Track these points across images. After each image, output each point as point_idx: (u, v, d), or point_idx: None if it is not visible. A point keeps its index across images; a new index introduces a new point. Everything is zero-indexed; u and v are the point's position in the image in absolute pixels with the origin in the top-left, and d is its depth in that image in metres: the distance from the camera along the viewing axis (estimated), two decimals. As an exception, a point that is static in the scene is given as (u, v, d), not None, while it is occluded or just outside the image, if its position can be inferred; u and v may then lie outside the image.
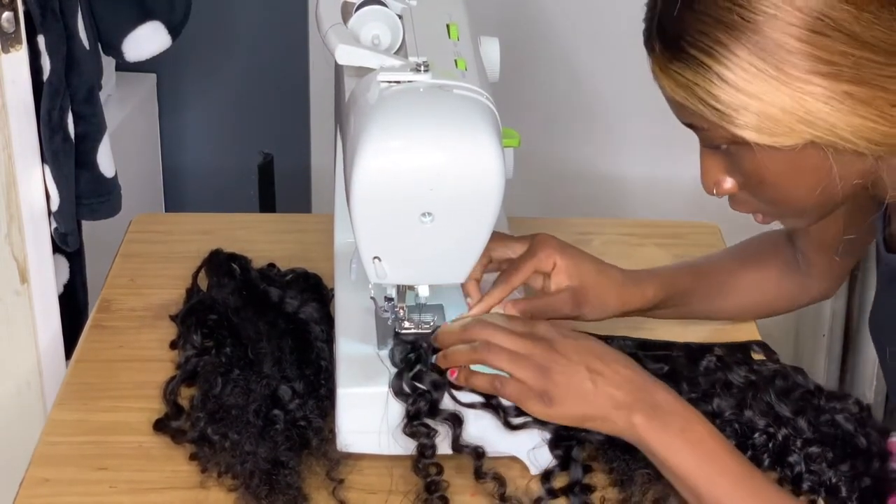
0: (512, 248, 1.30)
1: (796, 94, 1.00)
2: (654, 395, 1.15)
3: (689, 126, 1.09)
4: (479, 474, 1.21)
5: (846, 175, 1.05)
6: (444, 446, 1.22)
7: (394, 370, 1.23)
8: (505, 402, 1.20)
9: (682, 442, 1.12)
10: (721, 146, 1.08)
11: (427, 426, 1.21)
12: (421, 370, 1.22)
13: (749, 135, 1.03)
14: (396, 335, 1.26)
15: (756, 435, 1.23)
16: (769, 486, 1.12)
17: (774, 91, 1.01)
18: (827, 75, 1.00)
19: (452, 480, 1.22)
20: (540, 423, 1.20)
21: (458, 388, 1.21)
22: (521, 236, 1.31)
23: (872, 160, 1.04)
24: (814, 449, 1.22)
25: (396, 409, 1.22)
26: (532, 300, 1.28)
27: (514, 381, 1.16)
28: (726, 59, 1.01)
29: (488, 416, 1.21)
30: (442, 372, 1.21)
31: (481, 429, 1.22)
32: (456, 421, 1.21)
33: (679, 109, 1.08)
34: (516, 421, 1.20)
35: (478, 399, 1.20)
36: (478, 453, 1.21)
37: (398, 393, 1.21)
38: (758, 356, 1.38)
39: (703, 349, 1.36)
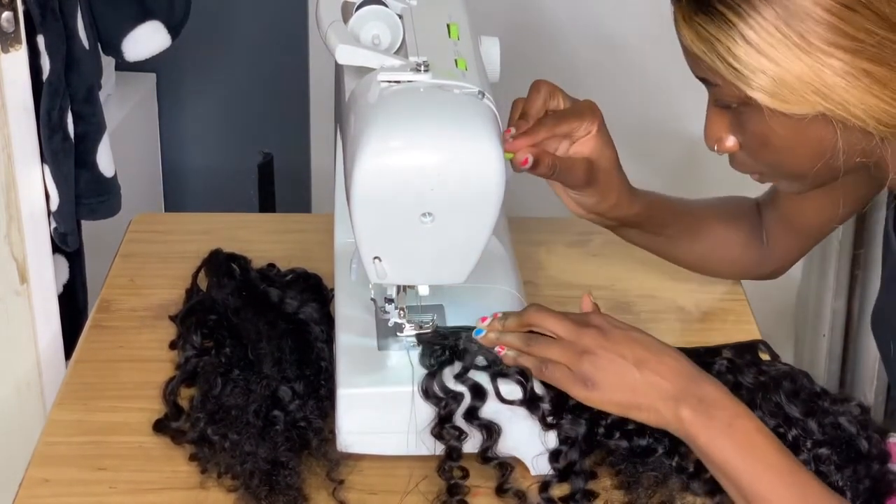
0: (557, 101, 1.30)
1: (816, 64, 1.01)
2: (701, 387, 1.15)
3: (702, 80, 1.09)
4: (501, 489, 1.21)
5: (850, 151, 1.06)
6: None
7: (420, 371, 1.22)
8: (543, 398, 1.20)
9: (728, 437, 1.12)
10: (731, 105, 1.09)
11: (458, 429, 1.20)
12: (466, 369, 1.21)
13: (761, 98, 1.04)
14: (427, 336, 1.26)
15: None
16: (815, 483, 1.12)
17: (794, 58, 1.01)
18: (849, 50, 1.00)
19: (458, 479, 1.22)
20: (574, 424, 1.20)
21: (504, 375, 1.21)
22: (569, 97, 1.31)
23: (878, 140, 1.04)
24: (823, 450, 1.22)
25: (398, 410, 1.22)
26: (560, 139, 1.29)
27: (559, 366, 1.18)
28: (752, 20, 1.02)
29: (493, 417, 1.21)
30: (488, 368, 1.21)
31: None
32: (491, 431, 1.21)
33: (695, 63, 1.08)
34: (551, 419, 1.20)
35: (518, 397, 1.20)
36: (505, 467, 1.21)
37: (428, 395, 1.21)
38: (764, 356, 1.38)
39: (712, 352, 1.36)
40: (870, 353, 2.31)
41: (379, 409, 1.22)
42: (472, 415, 1.20)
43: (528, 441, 1.22)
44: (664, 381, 1.15)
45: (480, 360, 1.23)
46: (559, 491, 1.21)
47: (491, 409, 1.21)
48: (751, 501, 1.11)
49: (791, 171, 1.11)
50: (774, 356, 1.38)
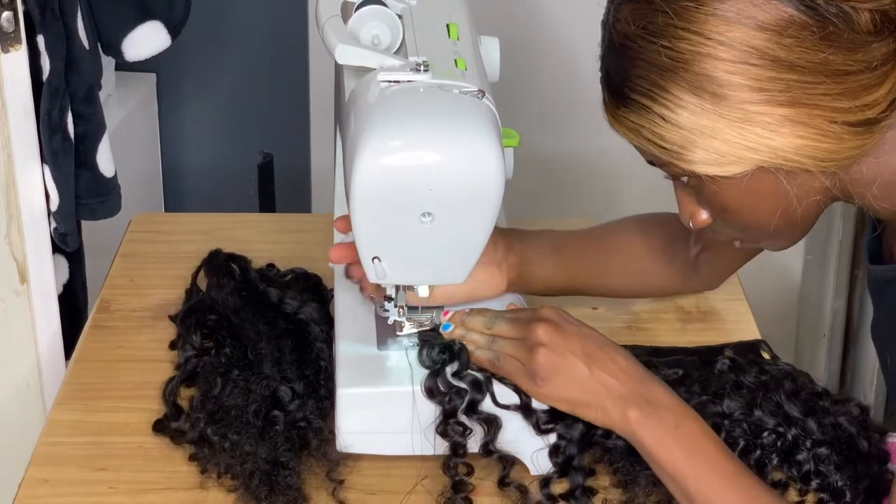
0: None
1: (735, 124, 1.02)
2: (649, 388, 1.16)
3: (652, 164, 1.11)
4: (503, 482, 1.21)
5: (803, 194, 1.07)
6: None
7: (420, 370, 1.23)
8: (537, 406, 1.21)
9: (674, 438, 1.13)
10: (686, 180, 1.10)
11: (463, 425, 1.21)
12: (460, 368, 1.22)
13: (700, 168, 1.05)
14: (423, 337, 1.26)
15: (765, 434, 1.24)
16: (759, 486, 1.13)
17: (715, 124, 1.03)
18: (762, 102, 1.01)
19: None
20: (568, 428, 1.20)
21: (501, 379, 1.21)
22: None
23: (828, 177, 1.05)
24: (822, 450, 1.23)
25: (398, 410, 1.22)
26: None
27: (511, 359, 1.19)
28: (665, 100, 1.03)
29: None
30: (482, 370, 1.22)
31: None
32: (492, 425, 1.21)
33: (639, 151, 1.10)
34: (546, 426, 1.21)
35: (514, 401, 1.21)
36: (507, 461, 1.21)
37: (432, 393, 1.21)
38: (766, 355, 1.38)
39: (714, 351, 1.36)
40: (870, 353, 2.31)
41: (378, 408, 1.22)
42: (472, 409, 1.21)
43: (527, 439, 1.22)
44: (613, 381, 1.16)
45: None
46: (559, 488, 1.21)
47: (491, 404, 1.21)
48: (695, 502, 1.12)
49: (757, 229, 1.12)
50: (774, 356, 1.39)
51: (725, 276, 1.45)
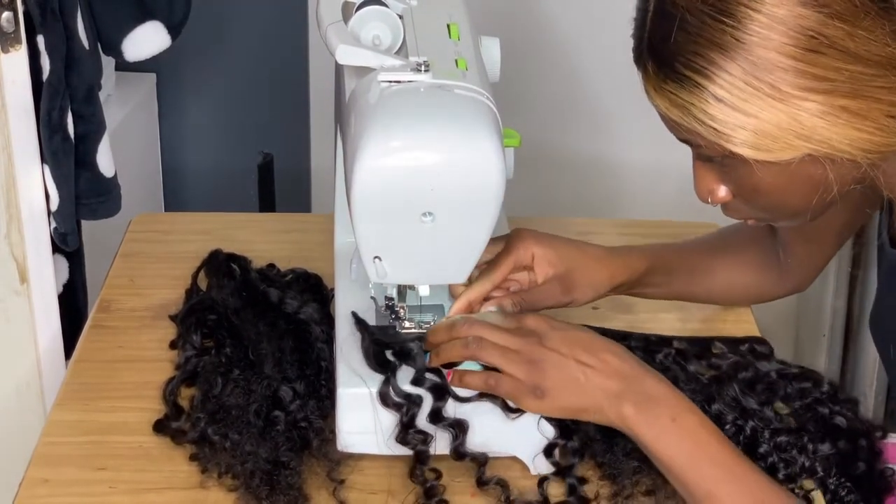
0: (489, 250, 1.27)
1: (792, 110, 1.01)
2: (644, 384, 1.16)
3: (685, 142, 1.09)
4: (481, 482, 1.21)
5: (842, 182, 1.06)
6: (440, 446, 1.22)
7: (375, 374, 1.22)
8: None
9: (671, 432, 1.13)
10: (716, 159, 1.09)
11: (422, 433, 1.20)
12: (420, 374, 1.21)
13: (746, 152, 1.03)
14: (372, 337, 1.25)
15: (726, 427, 1.24)
16: (759, 475, 1.13)
17: (770, 109, 1.01)
18: (822, 91, 1.00)
19: (453, 479, 1.22)
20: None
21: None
22: (497, 237, 1.29)
23: (870, 166, 1.04)
24: (782, 438, 1.23)
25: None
26: (521, 293, 1.29)
27: (507, 378, 1.18)
28: (721, 79, 1.01)
29: (490, 417, 1.21)
30: (439, 372, 1.21)
31: (483, 429, 1.22)
32: (460, 428, 1.21)
33: (674, 127, 1.08)
34: (515, 406, 1.20)
35: (474, 392, 1.20)
36: (479, 460, 1.21)
37: (386, 401, 1.21)
38: (717, 351, 1.38)
39: (663, 341, 1.36)
40: (870, 353, 2.31)
41: (379, 409, 1.22)
42: (437, 416, 1.21)
43: (523, 440, 1.22)
44: (607, 380, 1.16)
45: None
46: (555, 489, 1.21)
47: (466, 406, 1.21)
48: (696, 496, 1.12)
49: (785, 211, 1.12)
50: (758, 348, 1.39)
51: (814, 276, 1.45)
